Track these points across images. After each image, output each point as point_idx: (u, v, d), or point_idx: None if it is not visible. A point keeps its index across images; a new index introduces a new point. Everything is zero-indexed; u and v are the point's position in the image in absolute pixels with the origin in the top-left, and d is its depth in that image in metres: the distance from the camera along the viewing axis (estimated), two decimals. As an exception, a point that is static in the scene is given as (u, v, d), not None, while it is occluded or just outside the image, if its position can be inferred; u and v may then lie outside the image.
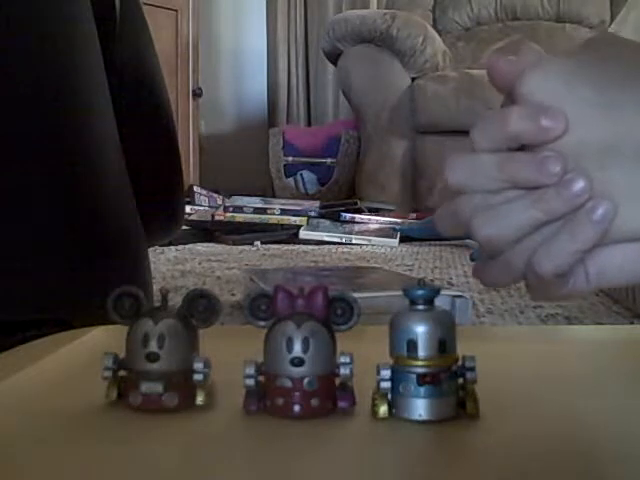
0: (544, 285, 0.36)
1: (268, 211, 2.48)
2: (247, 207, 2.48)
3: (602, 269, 0.35)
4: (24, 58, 0.59)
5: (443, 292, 0.71)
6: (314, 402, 0.34)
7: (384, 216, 2.65)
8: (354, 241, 2.26)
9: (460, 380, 0.34)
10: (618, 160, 0.33)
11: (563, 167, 0.33)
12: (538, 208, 0.33)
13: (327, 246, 2.19)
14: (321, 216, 2.53)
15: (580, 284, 0.35)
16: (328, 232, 2.31)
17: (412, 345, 0.33)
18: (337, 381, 0.35)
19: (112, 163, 0.68)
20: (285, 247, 2.17)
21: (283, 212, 2.49)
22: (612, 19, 3.23)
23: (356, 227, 2.46)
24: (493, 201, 0.35)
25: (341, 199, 3.11)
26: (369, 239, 2.26)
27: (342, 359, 0.34)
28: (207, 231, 2.39)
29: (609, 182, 0.33)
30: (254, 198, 2.69)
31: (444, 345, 0.34)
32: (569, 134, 0.33)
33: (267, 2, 4.44)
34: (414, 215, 2.65)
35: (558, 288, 0.36)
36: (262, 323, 0.35)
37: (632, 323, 1.01)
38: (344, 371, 0.34)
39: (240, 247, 2.16)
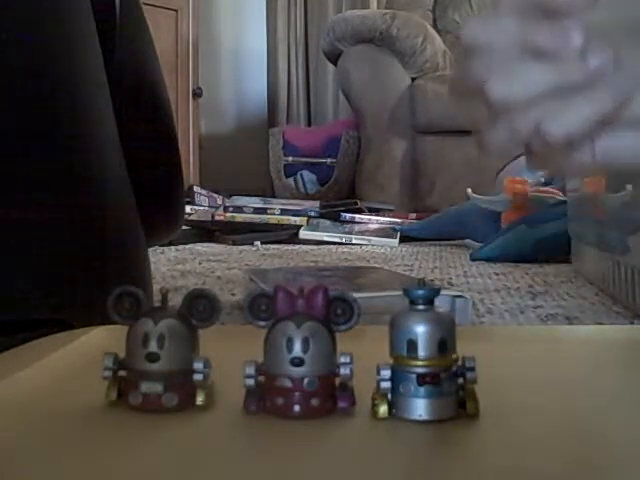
0: (548, 153, 0.35)
1: (268, 211, 2.48)
2: (247, 207, 2.48)
3: (610, 147, 0.34)
4: (23, 58, 0.59)
5: (443, 292, 0.71)
6: (314, 402, 0.34)
7: (384, 216, 2.65)
8: (354, 241, 2.26)
9: (460, 380, 0.34)
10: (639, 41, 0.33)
11: (587, 37, 0.32)
12: (557, 72, 0.33)
13: (327, 246, 2.19)
14: (321, 216, 2.53)
15: (585, 159, 0.35)
16: (328, 232, 2.31)
17: (412, 345, 0.33)
18: (337, 381, 0.35)
19: (112, 163, 0.68)
20: (285, 247, 2.17)
21: (283, 212, 2.49)
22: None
23: (356, 227, 2.46)
24: (511, 61, 0.34)
25: (341, 199, 3.11)
26: (369, 239, 2.26)
27: (342, 359, 0.34)
28: (207, 231, 2.38)
29: (630, 62, 0.32)
30: (254, 198, 2.69)
31: (444, 345, 0.34)
32: (594, 11, 0.33)
33: (267, 2, 4.44)
34: (414, 215, 2.65)
35: (561, 158, 0.35)
36: (262, 323, 0.35)
37: (632, 323, 1.01)
38: (344, 371, 0.34)
39: (240, 247, 2.16)
